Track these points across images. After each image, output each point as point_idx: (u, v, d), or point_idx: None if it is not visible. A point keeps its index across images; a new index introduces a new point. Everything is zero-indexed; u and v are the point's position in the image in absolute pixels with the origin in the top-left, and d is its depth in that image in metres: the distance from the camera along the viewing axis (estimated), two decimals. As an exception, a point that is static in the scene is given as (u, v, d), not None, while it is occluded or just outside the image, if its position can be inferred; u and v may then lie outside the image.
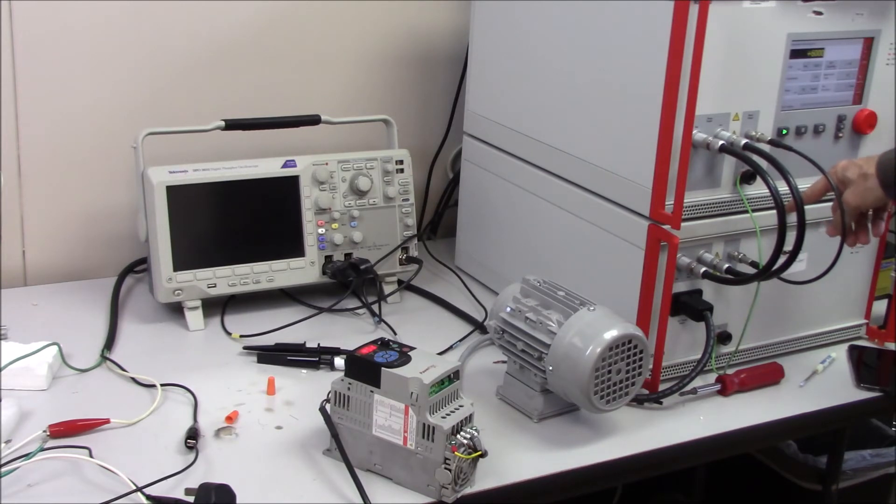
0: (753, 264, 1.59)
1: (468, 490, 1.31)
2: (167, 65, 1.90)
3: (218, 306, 1.77)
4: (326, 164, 1.80)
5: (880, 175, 1.47)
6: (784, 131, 1.59)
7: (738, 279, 1.56)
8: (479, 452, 1.28)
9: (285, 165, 1.78)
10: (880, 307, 1.84)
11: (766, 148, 1.52)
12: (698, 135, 1.49)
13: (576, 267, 1.69)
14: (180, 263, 1.69)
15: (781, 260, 1.49)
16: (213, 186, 1.72)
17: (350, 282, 1.78)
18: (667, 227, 1.51)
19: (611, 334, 1.39)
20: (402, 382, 1.28)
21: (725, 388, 1.60)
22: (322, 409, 1.36)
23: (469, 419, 1.31)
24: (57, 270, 1.89)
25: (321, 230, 1.80)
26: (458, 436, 1.28)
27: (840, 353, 1.76)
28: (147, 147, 1.70)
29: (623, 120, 1.56)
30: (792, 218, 1.46)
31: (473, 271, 2.00)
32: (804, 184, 1.53)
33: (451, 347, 1.71)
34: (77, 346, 1.60)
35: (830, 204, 1.58)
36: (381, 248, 1.85)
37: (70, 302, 1.78)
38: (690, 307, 1.57)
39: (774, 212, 1.46)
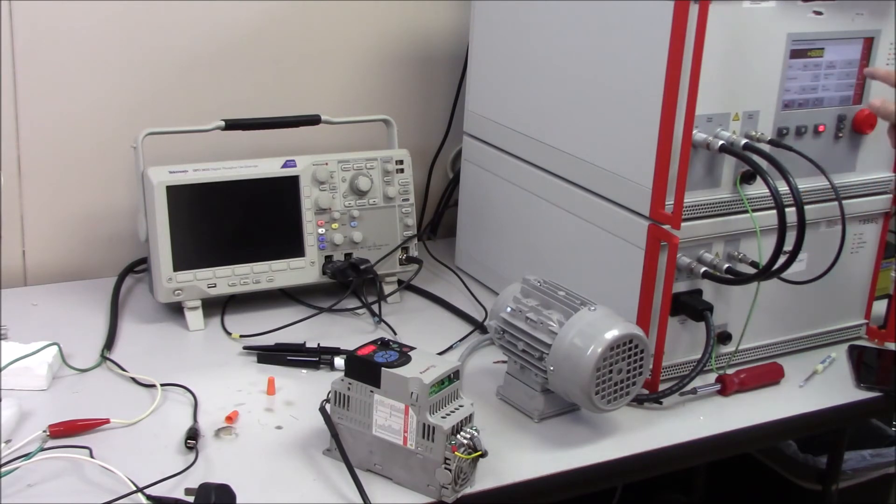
0: (753, 264, 1.59)
1: (468, 490, 1.31)
2: (167, 65, 1.90)
3: (218, 306, 1.77)
4: (326, 164, 1.80)
5: None
6: (784, 131, 1.59)
7: (738, 279, 1.56)
8: (479, 452, 1.28)
9: (285, 165, 1.78)
10: (880, 307, 1.84)
11: (766, 148, 1.52)
12: (698, 135, 1.49)
13: (576, 267, 1.69)
14: (180, 263, 1.69)
15: (781, 260, 1.49)
16: (213, 186, 1.72)
17: (350, 282, 1.78)
18: (667, 227, 1.51)
19: (612, 334, 1.39)
20: (402, 382, 1.28)
21: (725, 388, 1.60)
22: (322, 409, 1.36)
23: (469, 419, 1.31)
24: (57, 270, 1.89)
25: (321, 230, 1.80)
26: (458, 436, 1.28)
27: (840, 353, 1.76)
28: (147, 147, 1.70)
29: (623, 120, 1.56)
30: (792, 218, 1.46)
31: (473, 271, 2.00)
32: (804, 184, 1.53)
33: (451, 347, 1.71)
34: (77, 346, 1.60)
35: (833, 202, 1.59)
36: (381, 248, 1.85)
37: (70, 302, 1.78)
38: (690, 307, 1.57)
39: (774, 212, 1.46)
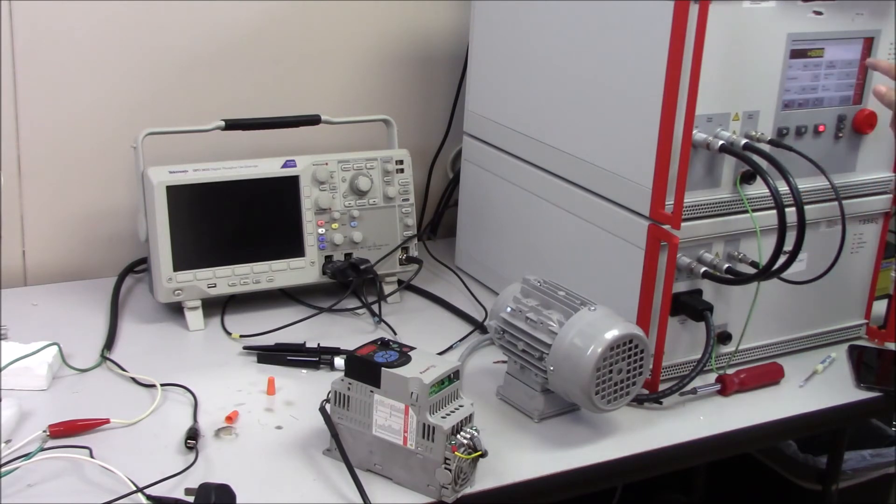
0: (753, 264, 1.58)
1: (468, 490, 1.31)
2: (167, 65, 1.90)
3: (218, 306, 1.77)
4: (326, 164, 1.80)
5: None
6: (784, 131, 1.59)
7: (738, 279, 1.56)
8: (479, 452, 1.28)
9: (285, 165, 1.78)
10: (880, 307, 1.84)
11: (766, 148, 1.52)
12: (698, 135, 1.49)
13: (576, 267, 1.69)
14: (180, 263, 1.69)
15: (781, 260, 1.49)
16: (213, 186, 1.72)
17: (350, 282, 1.78)
18: (667, 227, 1.51)
19: (612, 334, 1.39)
20: (402, 382, 1.28)
21: (725, 388, 1.60)
22: (322, 409, 1.36)
23: (469, 419, 1.31)
24: (57, 270, 1.89)
25: (321, 230, 1.80)
26: (458, 436, 1.28)
27: (840, 353, 1.76)
28: (147, 147, 1.70)
29: (623, 120, 1.56)
30: (792, 218, 1.46)
31: (473, 271, 2.00)
32: (804, 184, 1.53)
33: (451, 347, 1.71)
34: (77, 346, 1.60)
35: (833, 202, 1.59)
36: (381, 248, 1.85)
37: (70, 302, 1.78)
38: (690, 307, 1.57)
39: (774, 212, 1.46)
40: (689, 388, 1.55)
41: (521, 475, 1.37)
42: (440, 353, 1.65)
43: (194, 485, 1.24)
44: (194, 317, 1.72)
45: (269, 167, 1.77)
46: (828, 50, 1.59)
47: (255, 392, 1.53)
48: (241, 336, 1.68)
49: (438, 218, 2.21)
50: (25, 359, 1.48)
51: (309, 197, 1.79)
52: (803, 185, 1.50)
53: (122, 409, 1.43)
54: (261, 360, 1.62)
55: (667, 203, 1.50)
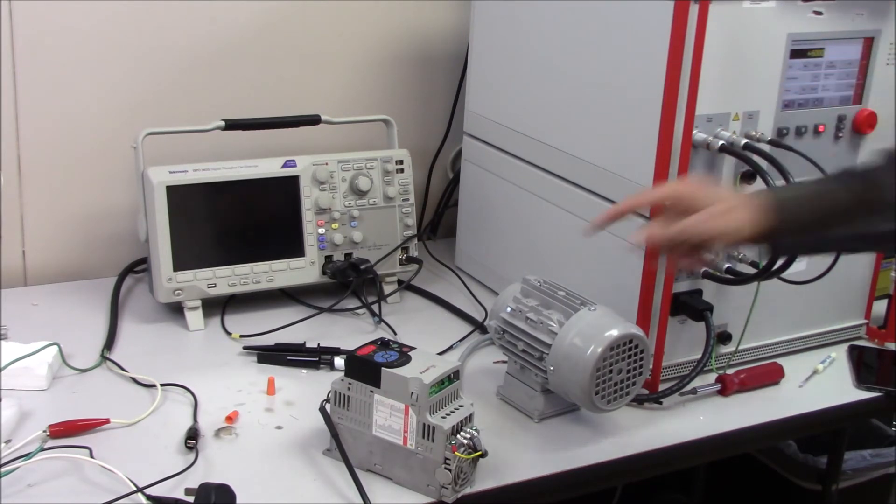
0: (753, 264, 1.58)
1: (468, 490, 1.31)
2: (167, 65, 1.90)
3: (218, 306, 1.77)
4: (326, 164, 1.80)
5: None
6: (784, 131, 1.59)
7: (738, 279, 1.56)
8: (479, 452, 1.28)
9: (285, 165, 1.78)
10: (880, 307, 1.84)
11: (766, 148, 1.52)
12: (698, 135, 1.49)
13: (576, 267, 1.69)
14: (180, 263, 1.69)
15: (781, 260, 1.49)
16: (213, 186, 1.72)
17: (350, 282, 1.78)
18: (667, 227, 1.51)
19: (612, 334, 1.38)
20: (402, 382, 1.28)
21: (725, 388, 1.60)
22: (322, 409, 1.36)
23: (469, 419, 1.31)
24: (57, 270, 1.89)
25: (321, 230, 1.80)
26: (458, 436, 1.28)
27: (840, 353, 1.76)
28: (147, 147, 1.70)
29: (623, 120, 1.56)
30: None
31: (473, 271, 2.00)
32: (804, 184, 1.53)
33: (451, 347, 1.71)
34: (77, 346, 1.60)
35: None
36: (381, 248, 1.85)
37: (70, 302, 1.78)
38: (690, 307, 1.57)
39: (774, 212, 1.46)
40: (689, 388, 1.55)
41: (521, 475, 1.37)
42: (440, 353, 1.65)
43: (194, 485, 1.24)
44: (194, 317, 1.72)
45: (269, 167, 1.77)
46: (828, 50, 1.59)
47: (255, 392, 1.53)
48: (241, 336, 1.68)
49: (438, 218, 2.21)
50: (25, 359, 1.48)
51: (309, 197, 1.79)
52: (803, 185, 1.50)
53: (122, 409, 1.43)
54: (261, 360, 1.62)
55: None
